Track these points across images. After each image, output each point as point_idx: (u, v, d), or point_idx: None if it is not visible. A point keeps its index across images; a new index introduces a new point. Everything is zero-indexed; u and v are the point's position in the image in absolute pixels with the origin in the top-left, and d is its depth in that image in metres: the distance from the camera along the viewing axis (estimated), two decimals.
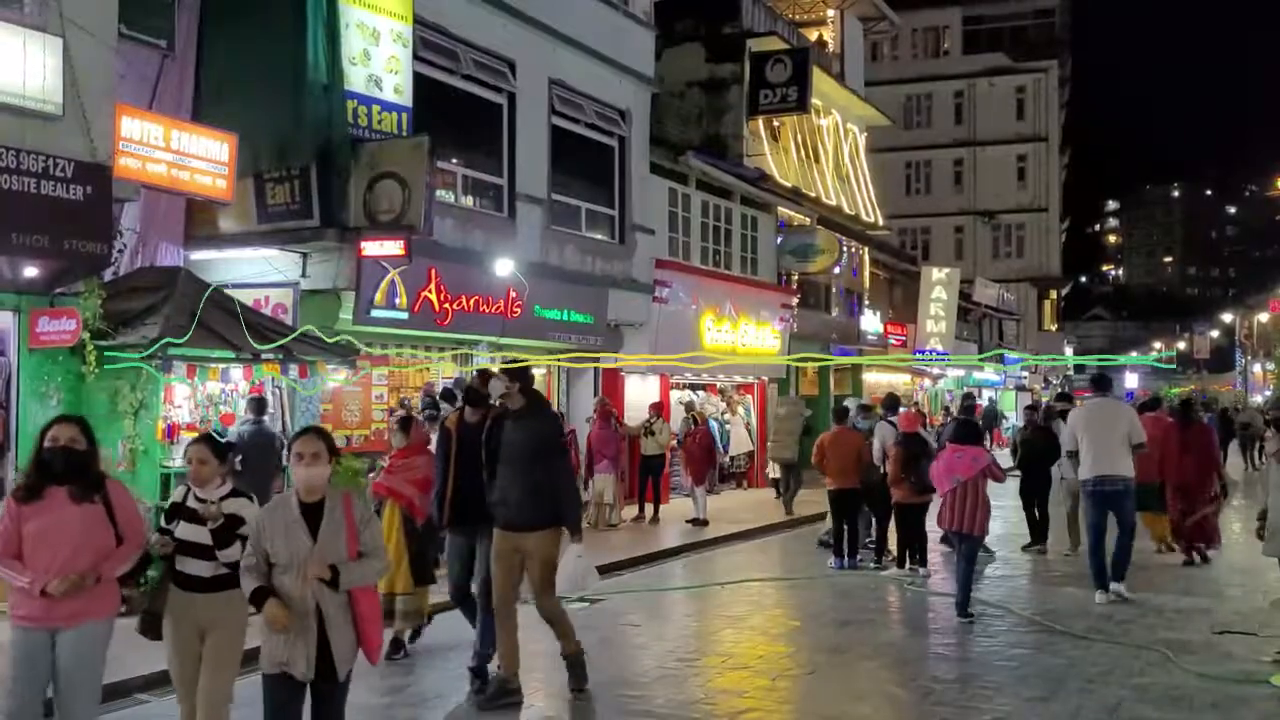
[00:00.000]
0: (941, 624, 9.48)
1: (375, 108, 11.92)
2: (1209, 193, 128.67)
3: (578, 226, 16.18)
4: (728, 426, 20.03)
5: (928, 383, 31.18)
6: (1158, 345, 77.56)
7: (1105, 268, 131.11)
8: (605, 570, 11.71)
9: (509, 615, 6.86)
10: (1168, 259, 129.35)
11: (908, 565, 11.63)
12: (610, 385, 16.50)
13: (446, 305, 12.99)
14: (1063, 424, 11.99)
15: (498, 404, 6.96)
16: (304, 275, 11.90)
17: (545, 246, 15.20)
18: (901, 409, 12.74)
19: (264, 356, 9.78)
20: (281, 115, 11.27)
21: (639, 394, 17.20)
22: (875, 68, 38.27)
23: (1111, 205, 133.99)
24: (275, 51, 11.39)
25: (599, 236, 16.64)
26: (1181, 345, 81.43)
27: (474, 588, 7.29)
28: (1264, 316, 61.46)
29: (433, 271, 12.71)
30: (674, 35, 21.49)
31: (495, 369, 7.39)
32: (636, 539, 14.16)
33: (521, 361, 11.19)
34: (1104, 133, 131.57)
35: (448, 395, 12.12)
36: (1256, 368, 62.47)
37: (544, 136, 15.34)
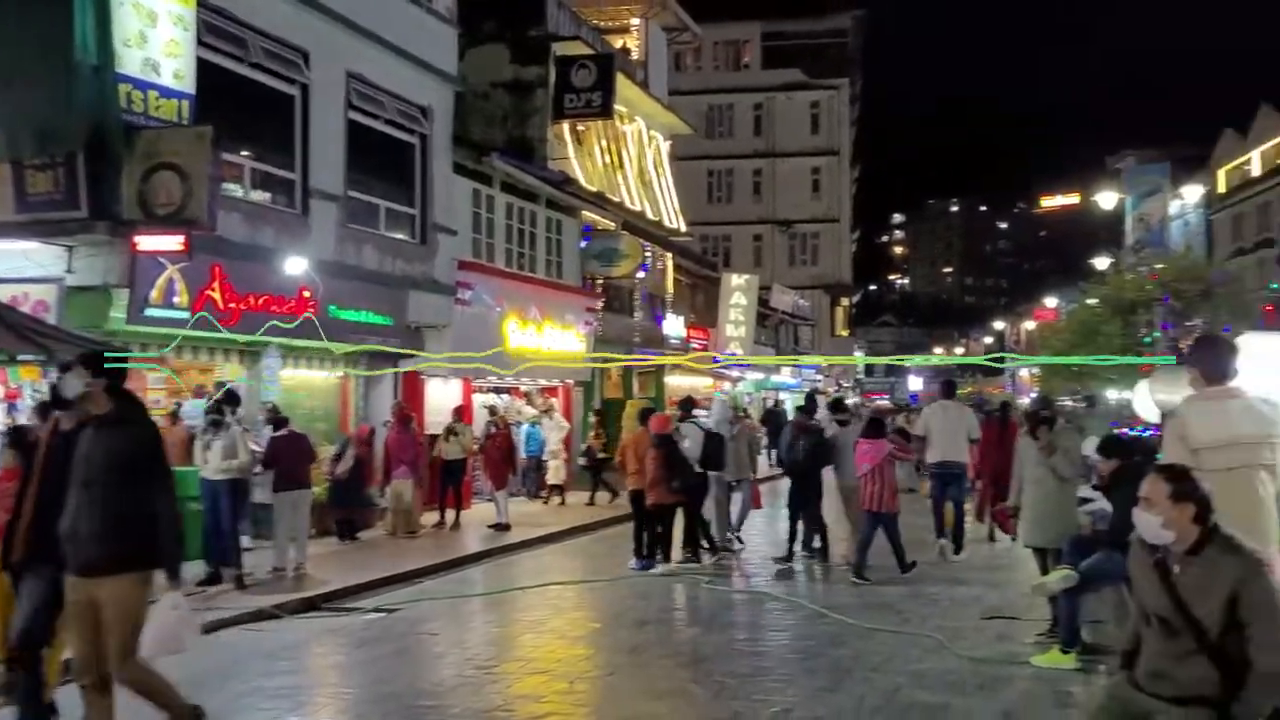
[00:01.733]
0: (737, 620, 9.71)
1: (152, 93, 11.15)
2: (984, 209, 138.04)
3: (376, 225, 15.73)
4: (538, 427, 19.89)
5: (728, 385, 31.97)
6: (939, 350, 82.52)
7: (893, 277, 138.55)
8: (404, 579, 11.49)
9: (93, 688, 5.27)
10: (948, 270, 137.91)
11: (675, 561, 12.11)
12: (411, 389, 16.11)
13: (233, 305, 12.35)
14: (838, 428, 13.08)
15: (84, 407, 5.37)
16: (69, 270, 11.02)
17: (341, 245, 14.70)
18: (701, 411, 13.11)
19: (20, 358, 8.98)
20: (44, 97, 10.36)
21: (440, 398, 16.87)
22: (679, 77, 39.06)
23: (898, 218, 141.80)
24: (37, 29, 10.49)
25: (399, 236, 16.22)
26: (960, 350, 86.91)
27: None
28: (1031, 324, 66.36)
29: (217, 269, 12.05)
30: (478, 35, 21.22)
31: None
32: (436, 545, 13.86)
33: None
34: (891, 149, 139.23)
35: (232, 398, 11.52)
36: (1024, 371, 67.31)
37: (340, 131, 14.84)
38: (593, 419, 19.43)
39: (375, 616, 9.73)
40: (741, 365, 31.86)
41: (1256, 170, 47.25)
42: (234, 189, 12.88)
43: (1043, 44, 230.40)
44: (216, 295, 12.06)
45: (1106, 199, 54.02)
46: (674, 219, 28.66)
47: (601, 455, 18.69)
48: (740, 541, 13.76)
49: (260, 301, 12.75)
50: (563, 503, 18.55)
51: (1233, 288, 20.05)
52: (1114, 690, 4.08)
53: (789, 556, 12.42)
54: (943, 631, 8.63)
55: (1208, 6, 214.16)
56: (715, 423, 13.71)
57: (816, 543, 12.58)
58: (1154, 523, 3.84)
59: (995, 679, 7.30)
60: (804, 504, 12.50)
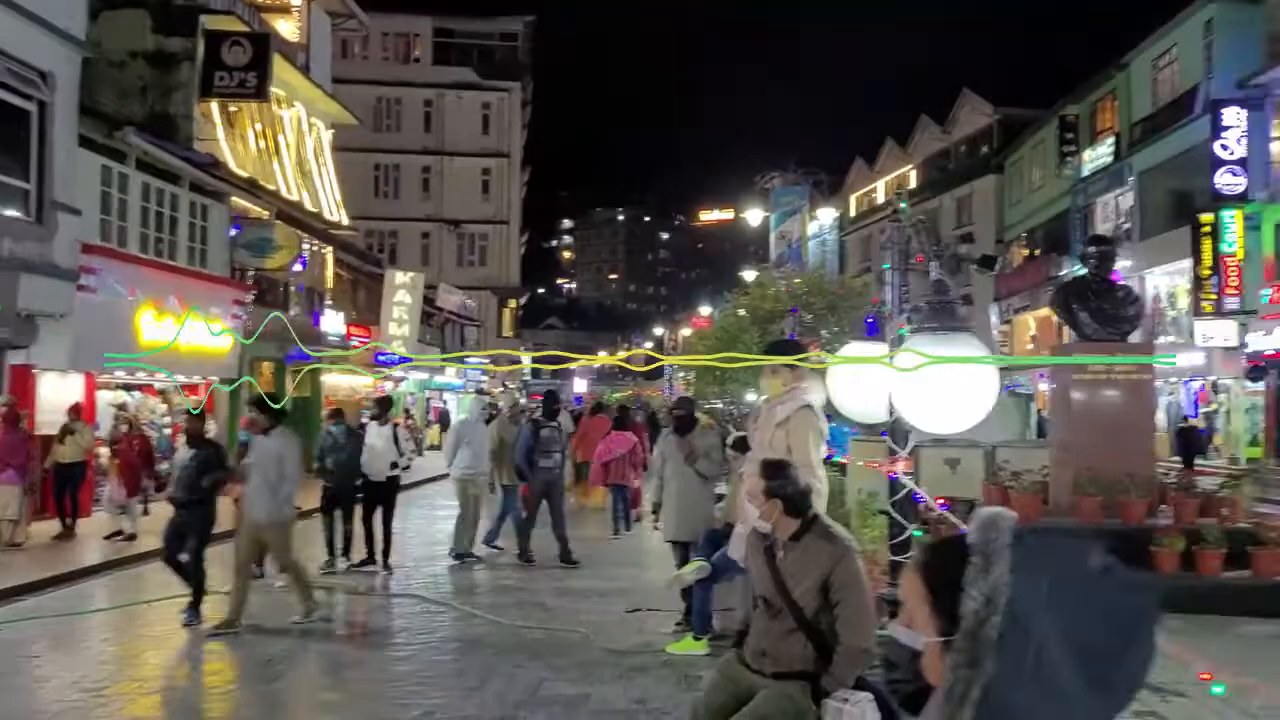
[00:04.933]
0: (384, 626, 9.45)
1: None
2: (647, 219, 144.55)
3: None
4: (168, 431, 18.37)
5: (389, 385, 31.24)
6: (602, 353, 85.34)
7: (560, 281, 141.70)
8: (3, 597, 10.18)
9: None
10: (613, 276, 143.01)
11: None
12: (20, 384, 14.35)
13: None
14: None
15: None
16: None
17: None
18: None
19: None
20: None
21: (57, 394, 15.12)
22: (345, 65, 37.75)
23: (567, 224, 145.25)
24: None
25: (10, 213, 14.36)
26: (622, 354, 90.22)
27: None
28: (687, 331, 70.25)
29: None
30: None
31: None
32: (47, 558, 12.39)
33: None
34: (561, 156, 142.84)
35: None
36: (680, 375, 71.20)
37: None
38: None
39: None
40: (408, 364, 31.17)
41: (881, 198, 52.87)
42: None
43: (709, 64, 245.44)
44: None
45: (754, 216, 58.41)
46: (336, 212, 27.60)
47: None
48: (497, 548, 13.21)
49: None
50: None
51: (854, 302, 22.39)
52: (724, 669, 4.34)
53: (195, 609, 9.25)
54: (588, 626, 8.86)
55: (867, 40, 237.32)
56: (462, 423, 13.33)
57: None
58: (755, 514, 4.12)
59: (633, 668, 7.59)
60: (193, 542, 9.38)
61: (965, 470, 10.73)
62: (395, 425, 12.73)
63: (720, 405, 28.96)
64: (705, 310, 67.40)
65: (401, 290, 31.07)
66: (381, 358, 29.76)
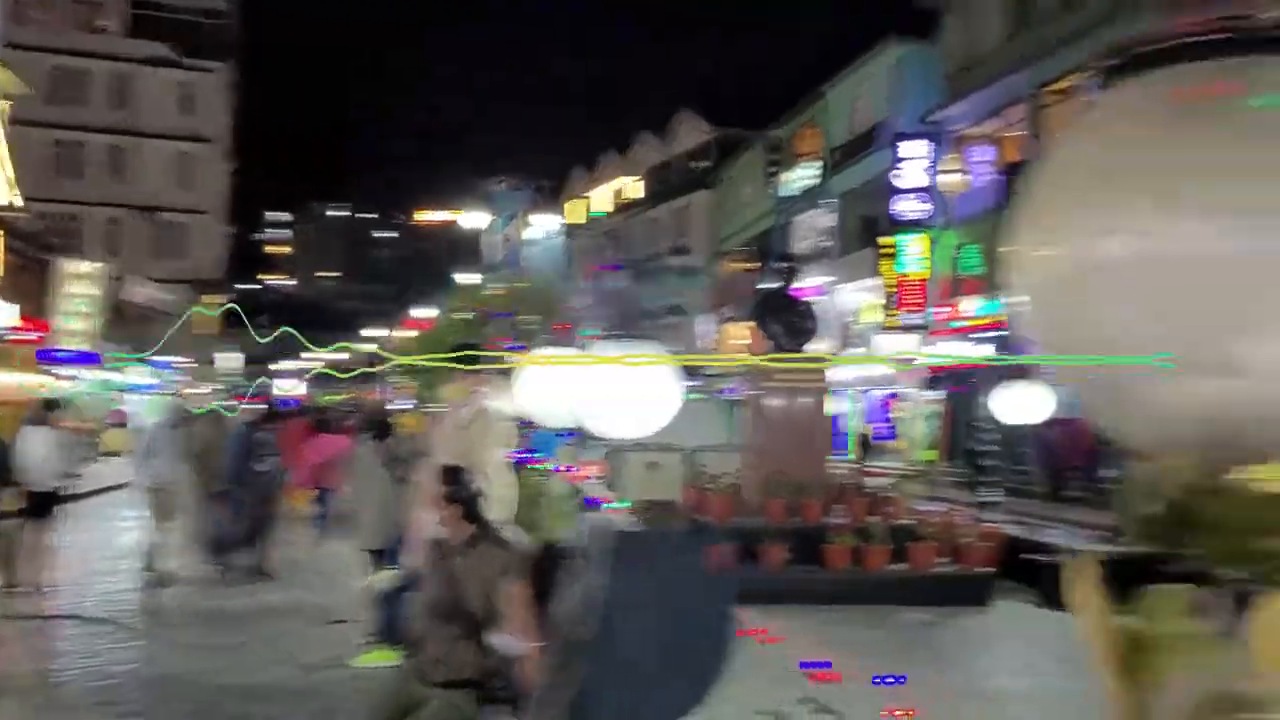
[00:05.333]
0: (40, 651, 8.60)
1: None
2: (367, 217, 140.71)
3: None
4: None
5: (66, 384, 28.49)
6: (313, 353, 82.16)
7: (274, 277, 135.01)
8: None
9: None
10: (332, 274, 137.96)
11: None
12: None
13: None
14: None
15: None
16: None
17: None
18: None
19: None
20: None
21: None
22: (21, 31, 34.17)
23: (283, 217, 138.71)
24: None
25: None
26: (345, 356, 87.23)
27: None
28: (411, 332, 68.73)
29: None
30: None
31: None
32: None
33: None
34: (279, 147, 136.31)
35: None
36: (396, 379, 69.45)
37: None
38: None
39: None
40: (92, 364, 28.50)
41: (599, 205, 54.17)
42: None
43: (439, 62, 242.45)
44: None
45: (477, 219, 58.19)
46: (6, 191, 24.81)
47: None
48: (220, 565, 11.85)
49: None
50: None
51: (558, 307, 22.74)
52: (395, 679, 4.24)
53: None
54: (279, 640, 8.46)
55: (600, 55, 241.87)
56: (155, 427, 12.08)
57: None
58: (432, 519, 4.04)
59: (325, 682, 7.30)
60: None
61: (664, 474, 11.07)
62: (67, 430, 11.60)
63: (446, 409, 28.40)
64: (423, 312, 66.24)
65: (82, 281, 28.44)
66: (60, 355, 27.20)
